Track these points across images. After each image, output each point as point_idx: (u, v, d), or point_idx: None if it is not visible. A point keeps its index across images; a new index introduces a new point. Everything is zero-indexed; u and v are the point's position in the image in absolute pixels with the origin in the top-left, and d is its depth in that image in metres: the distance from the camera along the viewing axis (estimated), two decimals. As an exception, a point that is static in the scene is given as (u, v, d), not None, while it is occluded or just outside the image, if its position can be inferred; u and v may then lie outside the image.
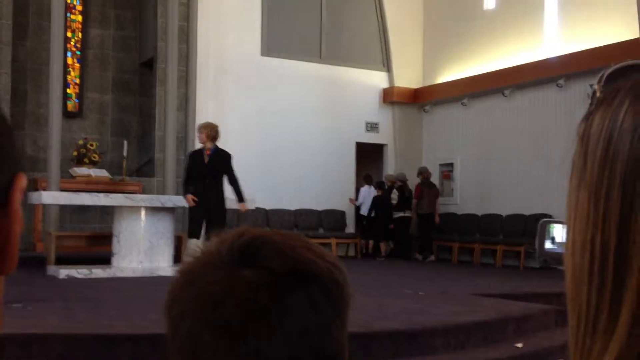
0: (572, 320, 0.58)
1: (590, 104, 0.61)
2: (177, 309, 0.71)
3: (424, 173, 13.61)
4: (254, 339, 0.68)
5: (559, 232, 1.09)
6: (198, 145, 9.06)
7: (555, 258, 1.06)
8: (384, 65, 14.75)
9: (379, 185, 14.05)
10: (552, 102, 11.88)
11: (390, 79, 14.73)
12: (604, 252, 0.54)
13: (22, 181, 0.57)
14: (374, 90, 14.66)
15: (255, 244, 0.72)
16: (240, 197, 8.52)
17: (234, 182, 8.53)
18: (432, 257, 13.27)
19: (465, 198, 13.68)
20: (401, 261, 12.96)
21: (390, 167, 14.68)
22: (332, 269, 0.74)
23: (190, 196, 8.41)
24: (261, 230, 0.75)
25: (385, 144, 14.80)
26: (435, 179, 14.24)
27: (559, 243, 1.10)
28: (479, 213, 13.07)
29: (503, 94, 12.88)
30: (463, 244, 13.00)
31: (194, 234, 8.34)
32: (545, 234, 1.11)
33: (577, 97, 11.17)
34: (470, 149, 13.63)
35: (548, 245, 1.12)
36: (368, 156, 14.89)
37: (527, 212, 11.78)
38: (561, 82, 11.62)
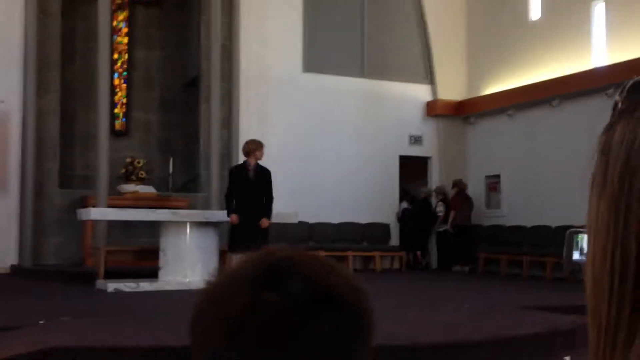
0: (592, 333, 0.57)
1: (612, 116, 0.61)
2: (202, 327, 0.72)
3: (459, 185, 13.64)
4: None
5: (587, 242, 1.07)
6: (237, 161, 9.17)
7: (582, 269, 1.04)
8: (427, 78, 14.70)
9: (410, 199, 14.30)
10: (601, 111, 11.66)
11: (434, 91, 14.68)
12: (624, 265, 0.54)
13: None
14: (418, 104, 14.62)
15: (281, 267, 0.72)
16: (268, 214, 8.53)
17: (270, 199, 8.57)
18: (466, 268, 13.25)
19: (513, 210, 13.50)
20: (444, 273, 12.93)
21: (435, 180, 14.60)
22: (357, 294, 0.74)
23: (234, 216, 8.43)
24: (288, 251, 0.75)
25: (430, 157, 14.74)
26: (481, 191, 14.18)
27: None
28: (528, 225, 12.88)
29: (550, 105, 12.71)
30: (511, 256, 12.81)
31: (237, 248, 8.35)
32: (572, 244, 1.08)
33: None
34: (517, 160, 13.46)
35: (576, 256, 1.09)
36: (413, 169, 14.84)
37: (577, 223, 11.54)
38: (610, 91, 11.41)
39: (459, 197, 13.59)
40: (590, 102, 11.93)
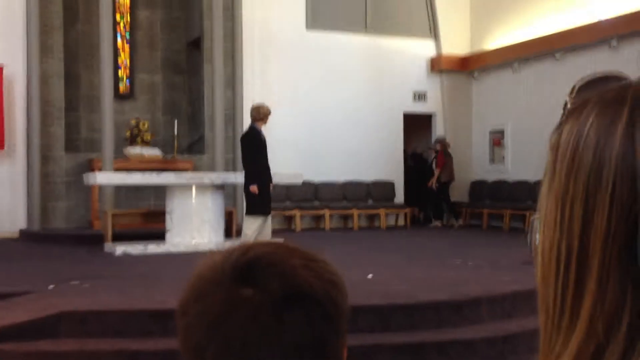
0: (541, 316, 0.62)
1: (562, 115, 0.64)
2: (185, 322, 0.78)
3: (442, 142, 13.88)
4: (254, 355, 0.74)
5: None
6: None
7: None
8: (430, 32, 14.60)
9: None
10: (605, 63, 11.60)
11: (438, 46, 14.59)
12: (568, 257, 0.58)
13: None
14: (421, 59, 14.54)
15: (257, 264, 0.78)
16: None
17: None
18: (438, 223, 13.94)
19: (517, 165, 13.55)
20: (446, 229, 13.18)
21: (439, 135, 14.60)
22: (328, 287, 0.79)
23: (255, 187, 8.28)
24: (266, 246, 0.81)
25: (434, 113, 14.72)
26: (485, 146, 14.27)
27: None
28: (531, 180, 12.93)
29: (554, 57, 12.64)
30: (515, 211, 12.90)
31: (265, 212, 8.32)
32: (535, 230, 1.14)
33: (630, 57, 10.89)
34: (522, 114, 13.44)
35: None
36: (418, 126, 14.84)
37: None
38: (614, 42, 11.35)
39: (442, 155, 13.79)
40: (595, 54, 11.86)
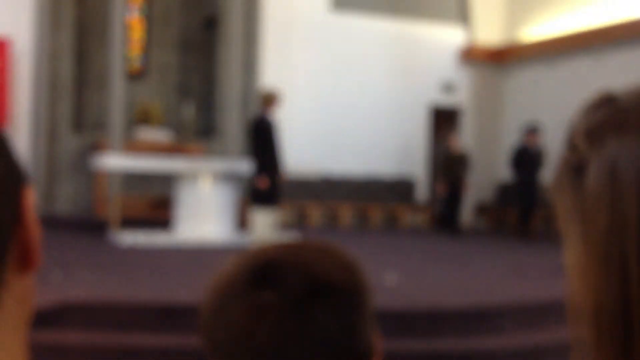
0: None
1: (566, 168, 0.60)
2: (213, 334, 0.82)
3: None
4: (285, 356, 0.78)
5: None
6: (256, 111, 8.98)
7: None
8: (462, 20, 14.52)
9: None
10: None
11: (469, 35, 14.51)
12: (628, 319, 0.53)
13: (30, 197, 0.60)
14: (451, 48, 14.47)
15: (272, 266, 0.81)
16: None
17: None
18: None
19: (550, 164, 13.49)
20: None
21: (467, 131, 14.54)
22: (347, 275, 0.83)
23: (267, 181, 8.18)
24: (278, 247, 0.85)
25: (462, 107, 14.65)
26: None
27: None
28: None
29: (594, 54, 12.56)
30: (545, 214, 12.85)
31: (273, 201, 8.24)
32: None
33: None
34: (557, 112, 13.37)
35: None
36: (443, 119, 14.79)
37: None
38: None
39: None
40: (636, 52, 11.79)
